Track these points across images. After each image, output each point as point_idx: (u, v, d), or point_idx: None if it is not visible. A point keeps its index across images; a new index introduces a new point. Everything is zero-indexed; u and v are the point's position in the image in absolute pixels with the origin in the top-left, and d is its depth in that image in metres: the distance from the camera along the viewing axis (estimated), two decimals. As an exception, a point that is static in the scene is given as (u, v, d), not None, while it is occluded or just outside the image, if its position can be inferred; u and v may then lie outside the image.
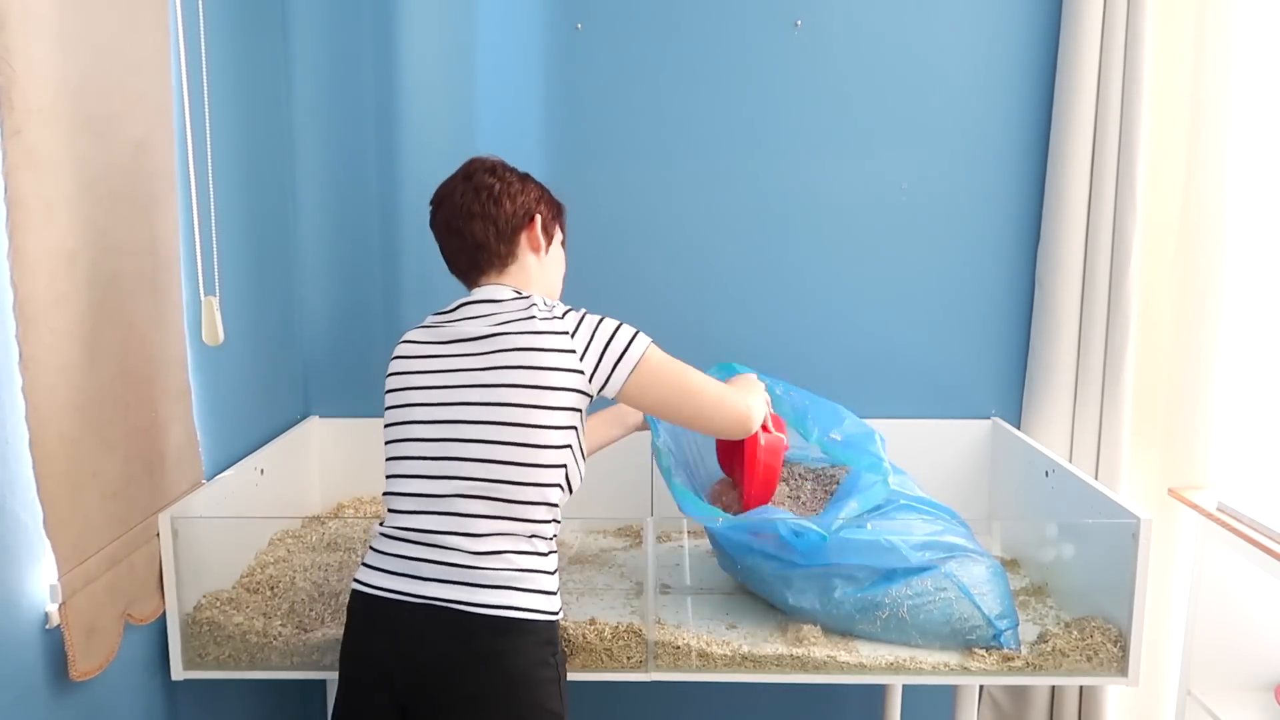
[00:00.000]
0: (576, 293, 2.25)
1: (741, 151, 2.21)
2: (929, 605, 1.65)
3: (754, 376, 1.71)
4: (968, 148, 2.20)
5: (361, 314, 2.27)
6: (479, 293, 1.49)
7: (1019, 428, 2.25)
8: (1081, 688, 2.25)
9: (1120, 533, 1.62)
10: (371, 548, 1.44)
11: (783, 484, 1.88)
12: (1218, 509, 2.05)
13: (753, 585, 1.80)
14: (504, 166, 1.54)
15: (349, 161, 2.22)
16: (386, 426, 1.46)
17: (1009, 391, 2.29)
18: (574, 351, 1.40)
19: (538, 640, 1.38)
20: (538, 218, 1.53)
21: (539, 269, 1.54)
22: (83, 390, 1.37)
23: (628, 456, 2.21)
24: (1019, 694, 2.31)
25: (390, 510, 1.43)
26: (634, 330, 1.45)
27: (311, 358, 2.29)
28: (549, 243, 1.56)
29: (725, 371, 1.82)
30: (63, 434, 1.32)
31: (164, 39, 1.61)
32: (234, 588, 1.77)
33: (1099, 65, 2.08)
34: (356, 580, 1.43)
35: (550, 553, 1.43)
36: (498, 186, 1.50)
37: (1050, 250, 2.17)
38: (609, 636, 1.65)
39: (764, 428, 1.66)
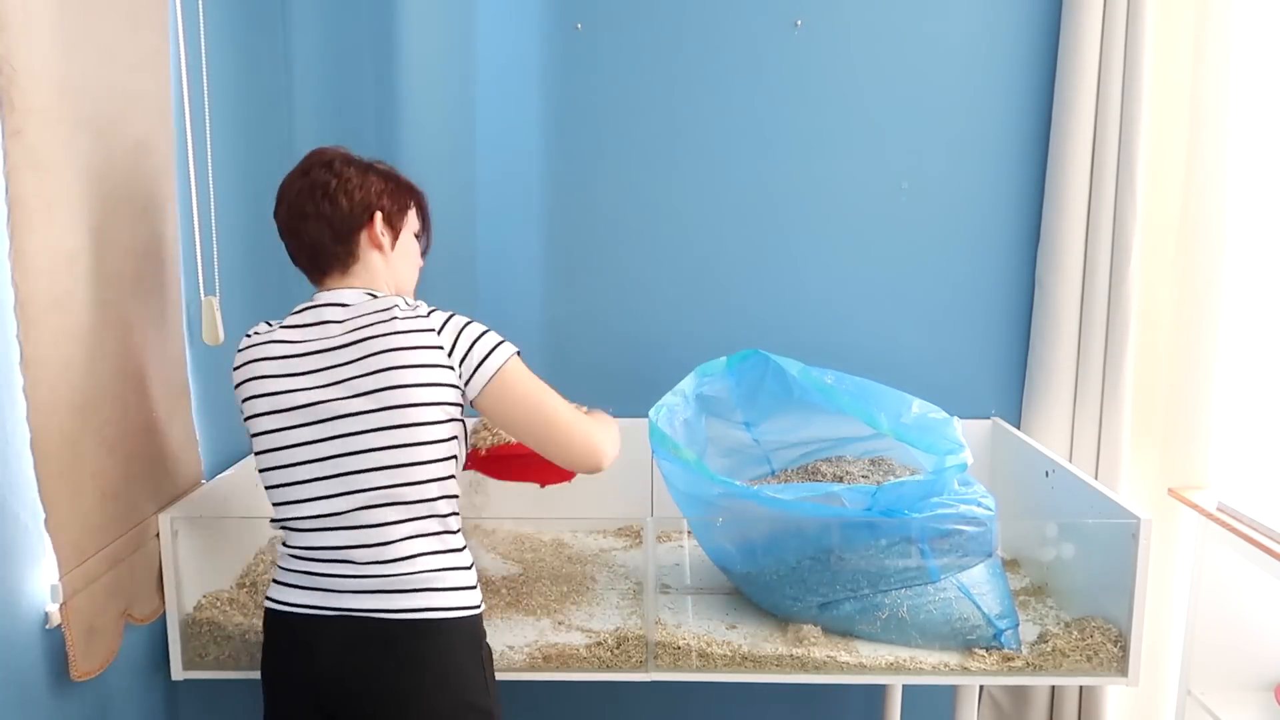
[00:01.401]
0: (577, 292, 2.26)
1: (741, 151, 2.21)
2: (929, 605, 1.65)
3: (606, 415, 1.61)
4: (968, 148, 2.20)
5: (361, 314, 2.26)
6: (326, 296, 1.41)
7: (1019, 428, 2.25)
8: (1081, 688, 2.25)
9: (1120, 533, 1.62)
10: (280, 566, 1.41)
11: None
12: (1218, 509, 2.05)
13: (750, 591, 1.80)
14: (344, 159, 1.45)
15: (349, 161, 2.22)
16: (261, 453, 1.38)
17: (1009, 391, 2.29)
18: (441, 348, 1.35)
19: (461, 638, 1.37)
20: (378, 214, 1.43)
21: (384, 266, 1.45)
22: (83, 390, 1.37)
23: (628, 457, 2.21)
24: (1019, 694, 2.31)
25: (291, 530, 1.39)
26: (500, 338, 1.39)
27: (311, 358, 2.28)
28: (394, 238, 1.46)
29: (737, 359, 1.82)
30: (63, 434, 1.32)
31: (164, 39, 1.61)
32: (234, 588, 1.77)
33: (1099, 65, 2.08)
34: (269, 599, 1.41)
35: (462, 547, 1.40)
36: (333, 184, 1.41)
37: (1050, 250, 2.17)
38: (609, 637, 1.65)
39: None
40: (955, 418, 1.79)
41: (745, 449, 2.03)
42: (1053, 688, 2.28)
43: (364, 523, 1.35)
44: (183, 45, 1.67)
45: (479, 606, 1.40)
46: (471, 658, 1.39)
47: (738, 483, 1.71)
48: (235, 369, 1.41)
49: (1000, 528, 1.87)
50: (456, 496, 1.41)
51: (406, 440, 1.34)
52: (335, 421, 1.34)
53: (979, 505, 1.66)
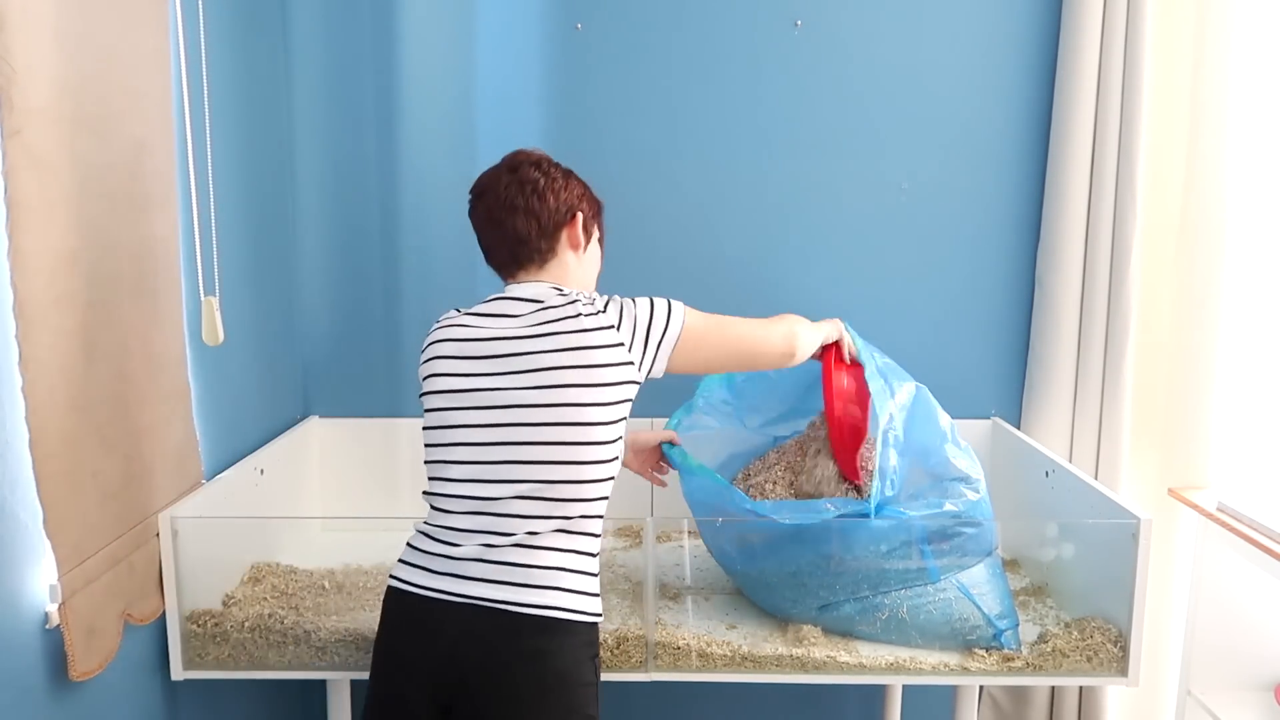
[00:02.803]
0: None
1: (741, 151, 2.21)
2: (929, 606, 1.65)
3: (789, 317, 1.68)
4: (968, 148, 2.20)
5: (361, 314, 2.27)
6: (517, 289, 1.46)
7: (1019, 428, 2.25)
8: (1081, 688, 2.25)
9: (1120, 533, 1.62)
10: (412, 545, 1.42)
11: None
12: (1218, 509, 2.05)
13: (750, 592, 1.80)
14: (549, 161, 1.52)
15: (349, 161, 2.22)
16: (428, 429, 1.44)
17: (1009, 391, 2.29)
18: (622, 344, 1.40)
19: (580, 641, 1.38)
20: (579, 215, 1.51)
21: (577, 266, 1.52)
22: (82, 390, 1.37)
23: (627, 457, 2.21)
24: (1019, 694, 2.31)
25: (436, 509, 1.42)
26: (667, 303, 1.47)
27: (311, 358, 2.29)
28: (588, 240, 1.54)
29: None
30: (63, 434, 1.32)
31: (164, 39, 1.61)
32: (234, 588, 1.77)
33: (1099, 65, 2.08)
34: (395, 577, 1.41)
35: (596, 554, 1.42)
36: (542, 181, 1.47)
37: (1050, 250, 2.17)
38: (609, 637, 1.65)
39: (839, 362, 1.73)
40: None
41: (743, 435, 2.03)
42: (1053, 688, 2.28)
43: (513, 512, 1.36)
44: (183, 45, 1.67)
45: (600, 615, 1.41)
46: (586, 664, 1.39)
47: (740, 490, 1.72)
48: (422, 349, 1.48)
49: (1000, 528, 1.88)
50: (607, 499, 1.43)
51: (572, 439, 1.36)
52: (502, 410, 1.37)
53: (968, 488, 1.67)
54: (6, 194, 1.22)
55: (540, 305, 1.42)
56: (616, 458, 1.41)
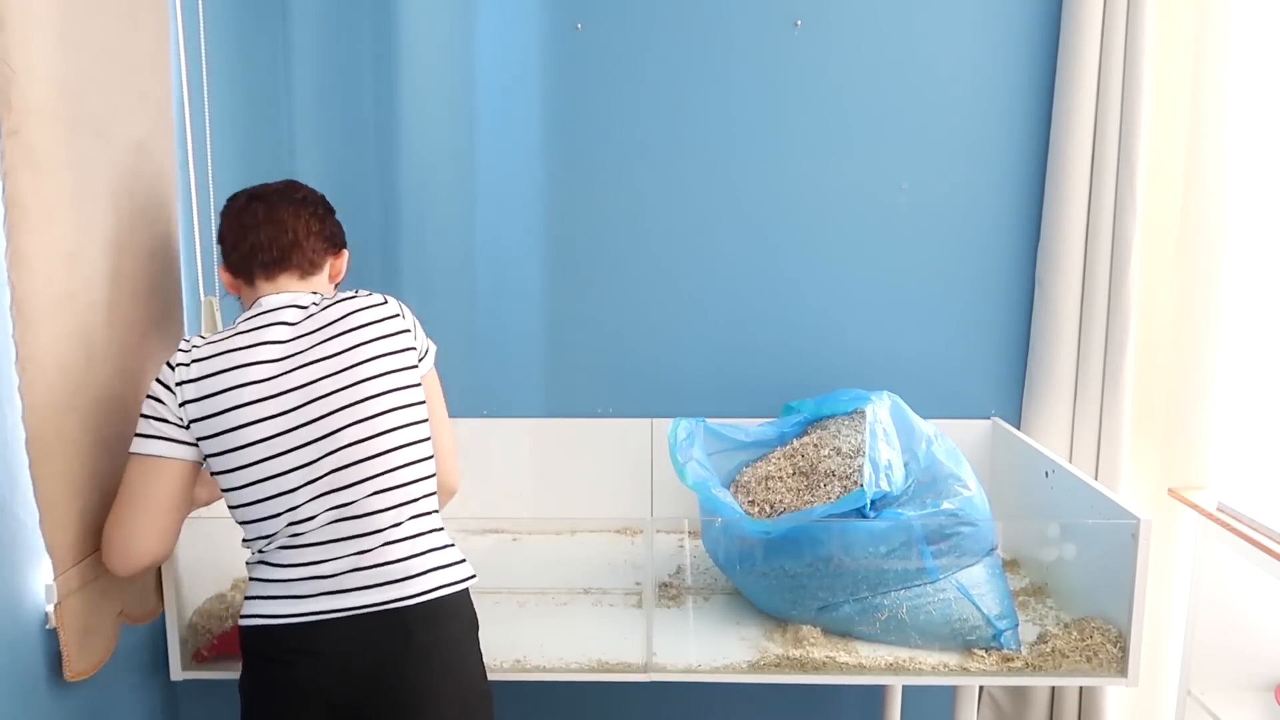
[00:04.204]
0: (577, 292, 2.26)
1: (741, 152, 2.21)
2: (928, 606, 1.65)
3: None
4: (968, 148, 2.20)
5: (361, 314, 2.26)
6: (274, 300, 1.43)
7: (1019, 428, 2.25)
8: (1081, 688, 2.25)
9: (1120, 533, 1.61)
10: (266, 580, 1.36)
11: None
12: (1218, 509, 2.05)
13: (750, 594, 1.80)
14: (323, 198, 1.56)
15: (349, 161, 2.22)
16: (242, 468, 1.34)
17: (1009, 391, 2.28)
18: (409, 331, 1.44)
19: (465, 619, 1.40)
20: (346, 252, 1.56)
21: (330, 292, 1.53)
22: (80, 390, 1.37)
23: (628, 457, 2.21)
24: (1019, 694, 2.31)
25: (282, 549, 1.36)
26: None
27: (311, 358, 2.28)
28: (339, 280, 1.57)
29: (788, 412, 1.90)
30: (59, 434, 1.32)
31: (164, 39, 1.61)
32: (234, 588, 1.77)
33: (1099, 65, 2.08)
34: (259, 615, 1.34)
35: (442, 526, 1.43)
36: (321, 209, 1.52)
37: (1050, 250, 2.17)
38: (610, 637, 1.65)
39: None
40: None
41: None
42: (1052, 688, 2.28)
43: (368, 510, 1.35)
44: (183, 45, 1.67)
45: (475, 574, 1.42)
46: (474, 636, 1.42)
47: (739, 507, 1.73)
48: (176, 388, 1.35)
49: (1000, 528, 1.88)
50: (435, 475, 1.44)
51: (401, 421, 1.37)
52: (327, 419, 1.34)
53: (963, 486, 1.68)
54: (5, 194, 1.22)
55: (308, 311, 1.41)
56: (429, 437, 1.44)
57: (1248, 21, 2.08)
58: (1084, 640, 1.64)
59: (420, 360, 1.46)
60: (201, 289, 1.75)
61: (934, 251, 2.24)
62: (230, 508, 1.39)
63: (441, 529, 1.42)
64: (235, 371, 1.35)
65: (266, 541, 1.37)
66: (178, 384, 1.35)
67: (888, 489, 1.64)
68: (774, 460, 1.91)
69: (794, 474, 1.85)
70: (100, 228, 1.42)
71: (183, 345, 1.39)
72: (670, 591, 1.88)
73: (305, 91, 2.20)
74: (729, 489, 1.93)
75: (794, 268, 2.25)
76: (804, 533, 1.65)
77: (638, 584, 1.90)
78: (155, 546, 1.36)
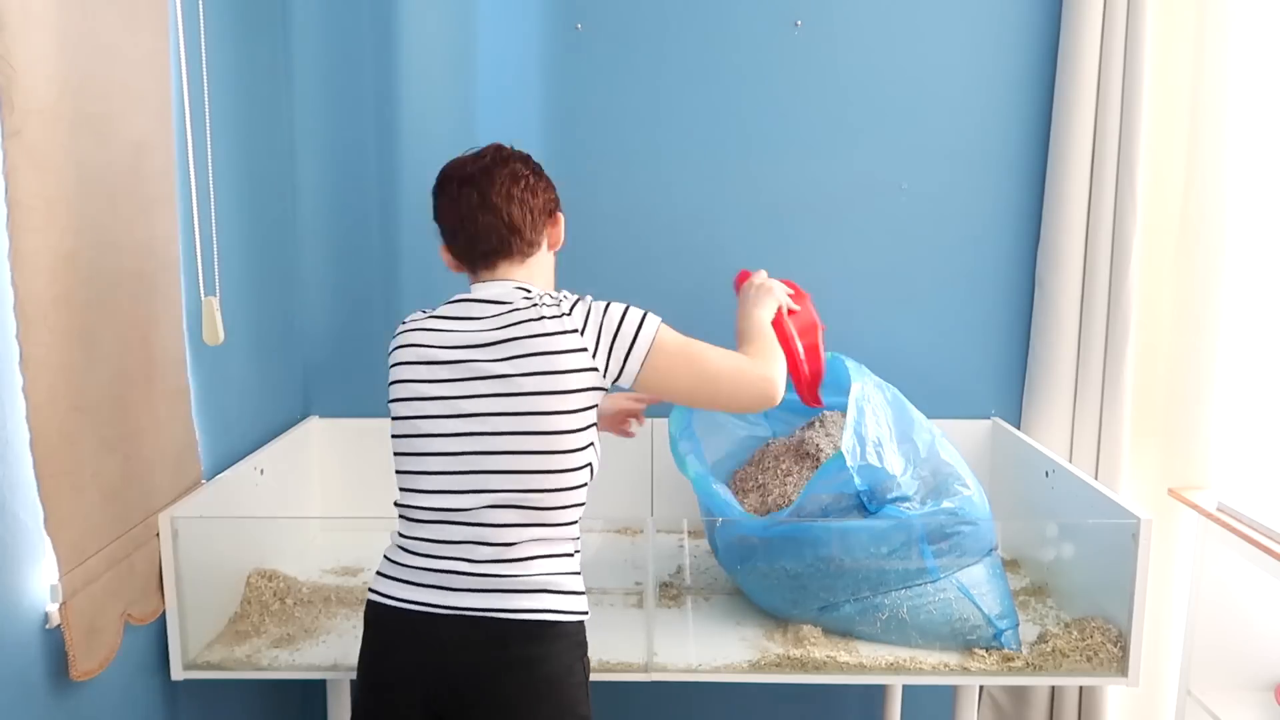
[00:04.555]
0: (577, 292, 2.26)
1: (741, 151, 2.21)
2: (929, 606, 1.65)
3: (763, 341, 1.59)
4: (968, 148, 2.20)
5: (361, 314, 2.27)
6: (482, 290, 1.42)
7: (1019, 428, 2.25)
8: (1081, 688, 2.25)
9: (1120, 533, 1.62)
10: (389, 559, 1.40)
11: None
12: (1218, 509, 2.05)
13: (750, 593, 1.80)
14: (531, 159, 1.51)
15: (349, 161, 2.22)
16: (396, 437, 1.41)
17: (1009, 391, 2.29)
18: (585, 350, 1.36)
19: (569, 644, 1.38)
20: (561, 215, 1.52)
21: (550, 264, 1.52)
22: (83, 390, 1.37)
23: (628, 457, 2.21)
24: (1019, 694, 2.31)
25: (409, 521, 1.40)
26: (641, 314, 1.41)
27: (311, 358, 2.29)
28: (559, 240, 1.53)
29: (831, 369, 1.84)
30: (63, 434, 1.32)
31: (164, 39, 1.61)
32: (234, 588, 1.77)
33: (1099, 65, 2.08)
34: (376, 592, 1.39)
35: (576, 553, 1.42)
36: (532, 178, 1.46)
37: (1050, 250, 2.17)
38: (610, 637, 1.65)
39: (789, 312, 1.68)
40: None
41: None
42: (1053, 688, 2.28)
43: (486, 521, 1.35)
44: (183, 45, 1.67)
45: (586, 613, 1.40)
46: (576, 665, 1.39)
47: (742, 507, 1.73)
48: (389, 353, 1.44)
49: (1000, 528, 1.88)
50: (583, 504, 1.41)
51: (540, 448, 1.34)
52: (472, 419, 1.35)
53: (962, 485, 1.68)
54: (7, 194, 1.22)
55: (504, 308, 1.39)
56: (589, 464, 1.40)
57: (1248, 21, 2.08)
58: (1084, 640, 1.64)
59: (620, 371, 1.39)
60: (202, 289, 1.75)
61: (934, 251, 2.24)
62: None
63: (570, 555, 1.40)
64: (415, 349, 1.40)
65: (401, 515, 1.41)
66: (390, 351, 1.44)
67: (877, 464, 1.63)
68: (774, 450, 1.92)
69: (795, 463, 1.85)
70: (100, 227, 1.42)
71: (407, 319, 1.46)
72: (670, 591, 1.88)
73: (305, 91, 2.20)
74: (730, 480, 1.94)
75: (794, 267, 2.24)
76: (804, 532, 1.65)
77: (638, 584, 1.90)
78: None
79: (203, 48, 1.72)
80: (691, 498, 1.83)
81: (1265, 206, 2.16)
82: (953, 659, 1.65)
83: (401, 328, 1.45)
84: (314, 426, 2.27)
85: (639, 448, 2.21)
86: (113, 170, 1.45)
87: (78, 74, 1.36)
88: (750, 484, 1.88)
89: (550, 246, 1.50)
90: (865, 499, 1.64)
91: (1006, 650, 1.64)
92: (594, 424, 1.40)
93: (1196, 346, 2.18)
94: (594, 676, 1.64)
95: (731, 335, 2.24)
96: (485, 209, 1.42)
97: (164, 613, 1.62)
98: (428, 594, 1.35)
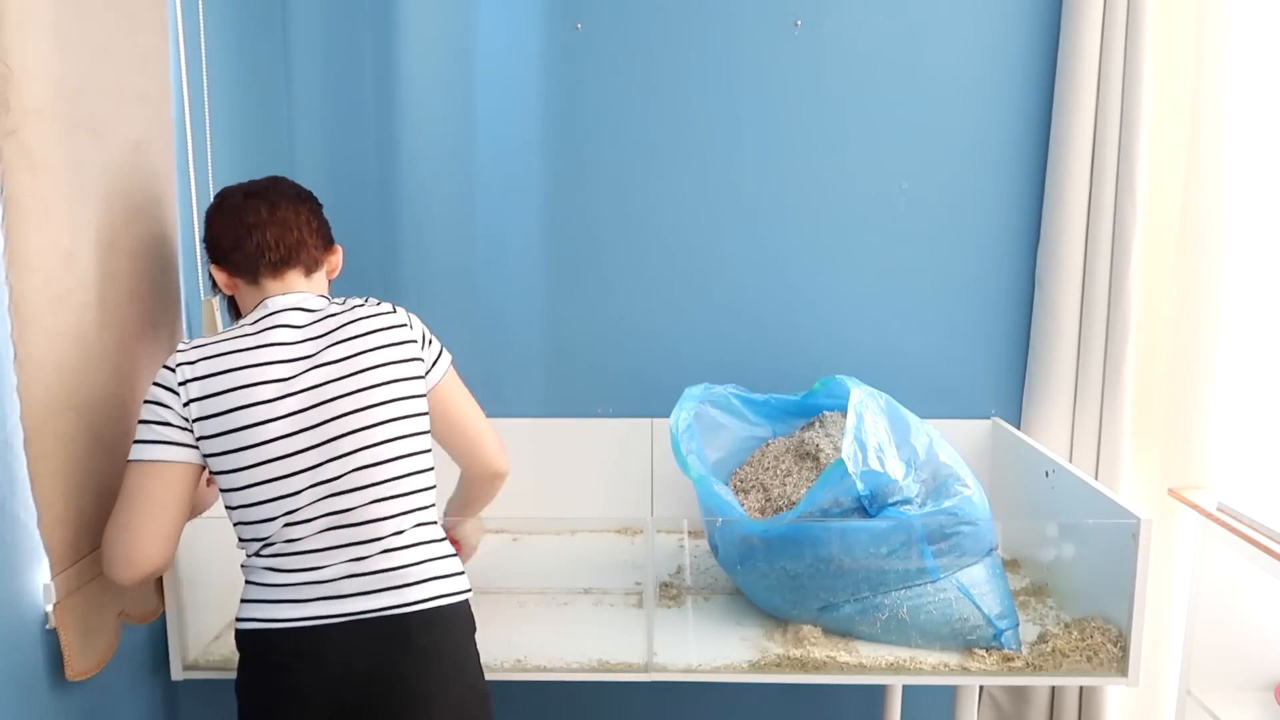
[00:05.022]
0: (577, 292, 2.26)
1: (741, 151, 2.21)
2: (929, 606, 1.65)
3: None
4: (968, 148, 2.20)
5: (361, 314, 2.26)
6: (284, 300, 1.41)
7: (1019, 428, 2.25)
8: (1081, 688, 2.25)
9: (1120, 533, 1.61)
10: (261, 583, 1.36)
11: None
12: (1218, 509, 2.05)
13: (750, 593, 1.80)
14: (305, 189, 1.53)
15: (349, 161, 2.22)
16: (246, 468, 1.33)
17: (1009, 391, 2.28)
18: (415, 342, 1.44)
19: (462, 624, 1.40)
20: (337, 246, 1.54)
21: (327, 290, 1.52)
22: (79, 390, 1.37)
23: (628, 457, 2.21)
24: (1019, 694, 2.31)
25: (284, 541, 1.35)
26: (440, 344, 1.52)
27: (311, 358, 2.28)
28: (333, 277, 1.56)
29: (827, 383, 1.89)
30: (57, 434, 1.32)
31: (163, 39, 1.61)
32: (234, 588, 1.77)
33: (1099, 65, 2.08)
34: (256, 619, 1.35)
35: (444, 537, 1.43)
36: (312, 203, 1.50)
37: (1050, 250, 2.17)
38: (610, 637, 1.65)
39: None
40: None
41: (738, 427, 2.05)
42: (1053, 688, 2.28)
43: (370, 518, 1.35)
44: (182, 45, 1.67)
45: (469, 590, 1.42)
46: (471, 641, 1.42)
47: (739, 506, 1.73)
48: (179, 388, 1.33)
49: (1000, 528, 1.88)
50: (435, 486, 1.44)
51: (405, 431, 1.38)
52: (331, 424, 1.34)
53: (962, 485, 1.68)
54: (3, 194, 1.22)
55: (317, 314, 1.41)
56: (430, 449, 1.44)
57: (1248, 22, 2.08)
58: (1084, 640, 1.64)
59: (430, 370, 1.46)
60: (202, 288, 1.75)
61: (934, 251, 2.24)
62: (228, 508, 1.39)
63: (443, 539, 1.42)
64: (246, 371, 1.34)
65: (263, 545, 1.37)
66: (181, 384, 1.33)
67: (879, 469, 1.63)
68: (774, 450, 1.92)
69: (795, 463, 1.85)
70: (97, 227, 1.42)
71: (181, 347, 1.37)
72: (670, 591, 1.88)
73: (305, 91, 2.20)
74: (729, 479, 1.94)
75: (794, 267, 2.25)
76: (805, 533, 1.65)
77: (638, 584, 1.90)
78: (160, 554, 1.34)
79: (203, 47, 1.72)
80: (691, 497, 1.83)
81: (1265, 206, 2.16)
82: (953, 659, 1.64)
83: (184, 356, 1.35)
84: (313, 426, 2.27)
85: (639, 448, 2.22)
86: (110, 170, 1.45)
87: (75, 73, 1.35)
88: (750, 484, 1.88)
89: (329, 273, 1.53)
90: (866, 503, 1.64)
91: (1006, 650, 1.64)
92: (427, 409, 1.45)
93: (1196, 347, 2.18)
94: (594, 676, 1.65)
95: (731, 335, 2.25)
96: (274, 220, 1.43)
97: (164, 613, 1.62)
98: (314, 607, 1.34)
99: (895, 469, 1.66)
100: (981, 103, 2.19)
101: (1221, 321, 2.16)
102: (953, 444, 1.80)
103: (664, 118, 2.20)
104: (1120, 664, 1.62)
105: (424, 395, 1.43)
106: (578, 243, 2.25)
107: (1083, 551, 1.79)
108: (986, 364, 2.28)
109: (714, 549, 1.86)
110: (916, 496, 1.67)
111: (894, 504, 1.65)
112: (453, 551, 1.43)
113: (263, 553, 1.37)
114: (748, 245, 2.24)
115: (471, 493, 1.64)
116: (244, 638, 1.37)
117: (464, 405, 1.53)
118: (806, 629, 1.69)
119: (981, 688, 2.29)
